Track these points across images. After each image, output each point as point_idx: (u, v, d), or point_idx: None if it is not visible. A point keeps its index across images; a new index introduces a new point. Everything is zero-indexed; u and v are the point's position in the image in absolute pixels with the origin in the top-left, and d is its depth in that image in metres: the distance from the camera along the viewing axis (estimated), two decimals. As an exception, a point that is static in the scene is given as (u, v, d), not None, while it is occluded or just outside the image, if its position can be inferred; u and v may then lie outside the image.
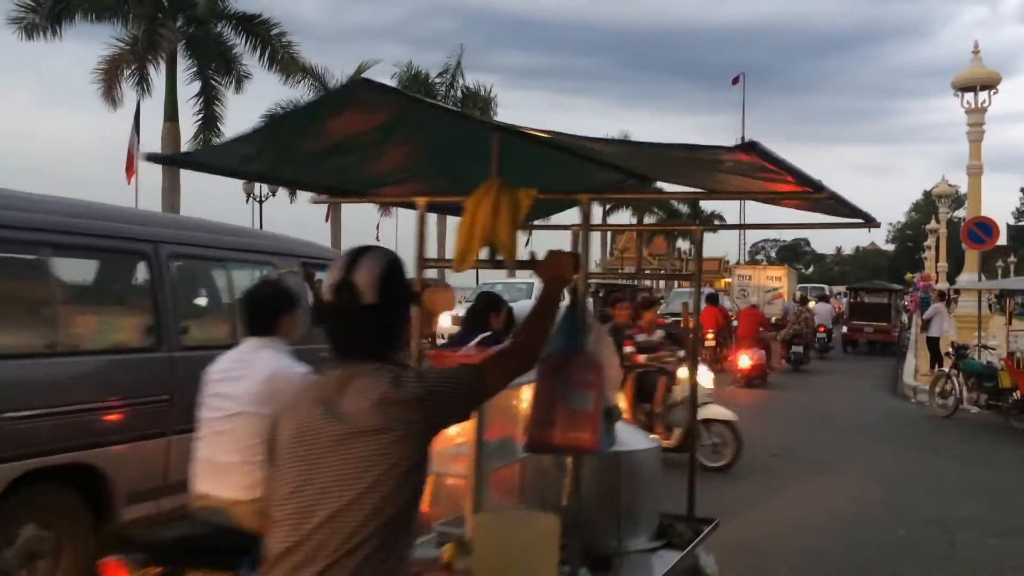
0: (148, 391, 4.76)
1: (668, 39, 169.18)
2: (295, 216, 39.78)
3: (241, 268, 5.75)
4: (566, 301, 2.81)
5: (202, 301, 5.52)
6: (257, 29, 23.31)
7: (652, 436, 7.56)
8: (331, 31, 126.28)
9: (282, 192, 28.65)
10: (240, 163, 2.78)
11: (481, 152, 2.93)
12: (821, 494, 7.75)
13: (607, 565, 3.35)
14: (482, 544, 2.73)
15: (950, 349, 13.90)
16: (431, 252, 3.54)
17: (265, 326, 3.25)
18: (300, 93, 28.11)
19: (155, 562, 2.84)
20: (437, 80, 31.35)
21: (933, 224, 41.69)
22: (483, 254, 2.95)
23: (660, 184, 4.14)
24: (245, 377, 3.12)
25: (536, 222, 4.30)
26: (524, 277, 18.91)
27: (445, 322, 13.71)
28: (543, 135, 2.74)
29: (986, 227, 16.54)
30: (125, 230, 4.87)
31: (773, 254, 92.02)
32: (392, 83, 31.25)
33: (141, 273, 4.93)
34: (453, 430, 2.91)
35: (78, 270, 4.83)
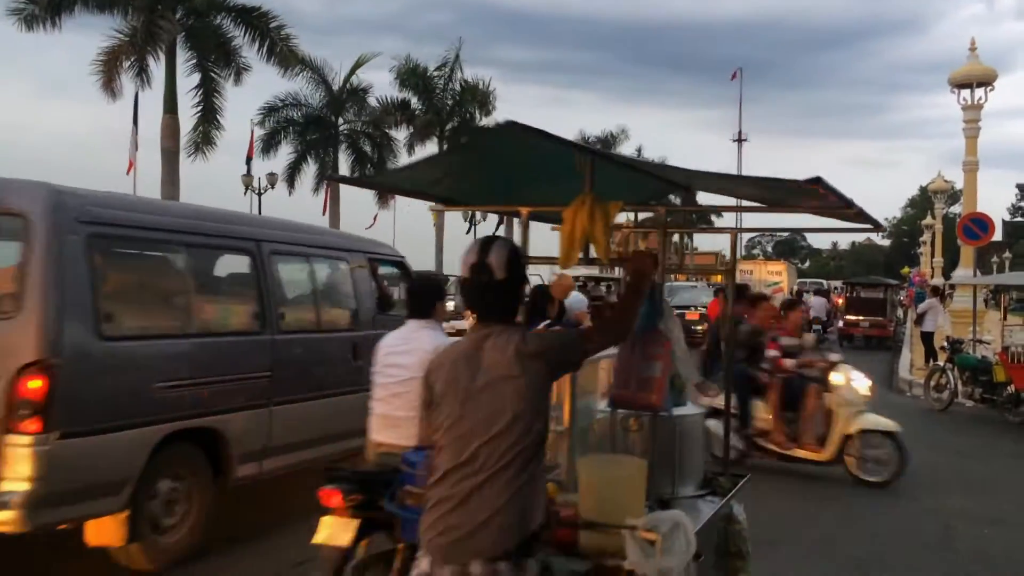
0: (255, 368, 5.76)
1: (667, 33, 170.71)
2: (290, 206, 40.50)
3: (322, 262, 6.77)
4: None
5: (293, 291, 6.51)
6: (256, 21, 23.93)
7: (799, 451, 8.01)
8: (329, 23, 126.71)
9: (281, 184, 29.62)
10: (400, 182, 3.74)
11: (563, 169, 3.89)
12: (818, 482, 8.06)
13: (667, 507, 4.28)
14: (586, 482, 3.43)
15: (945, 343, 14.49)
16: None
17: (425, 310, 4.25)
18: (298, 86, 28.97)
19: (357, 492, 3.75)
20: (436, 74, 32.15)
21: (929, 220, 42.85)
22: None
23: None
24: (415, 350, 4.05)
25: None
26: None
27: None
28: (627, 160, 3.73)
29: (982, 223, 17.05)
30: (236, 231, 5.92)
31: (769, 248, 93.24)
32: (390, 76, 32.04)
33: (248, 268, 5.93)
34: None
35: (203, 266, 5.83)
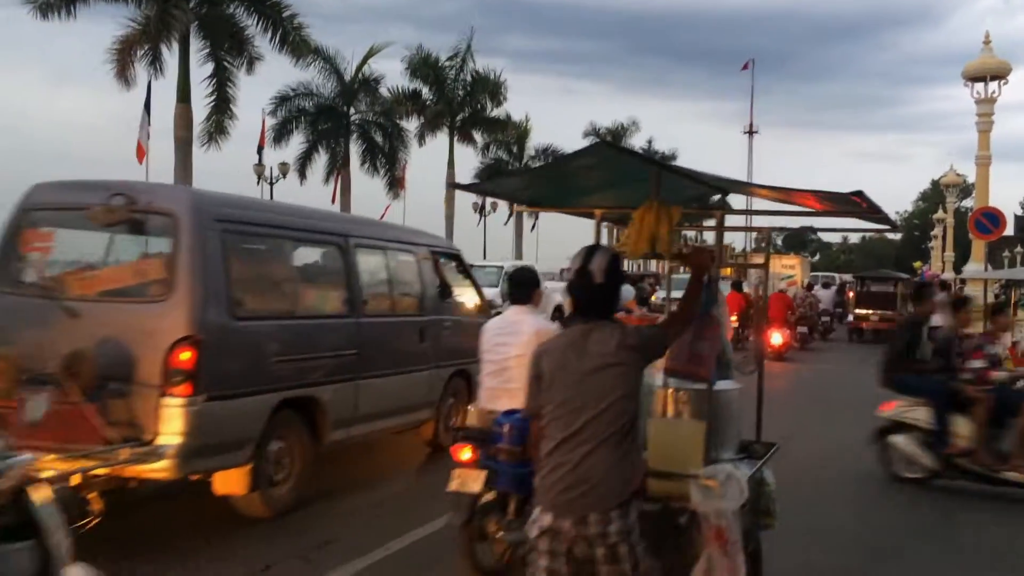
0: (346, 346, 6.86)
1: (679, 23, 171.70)
2: (301, 196, 41.59)
3: (394, 254, 7.89)
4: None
5: (373, 280, 7.60)
6: (269, 11, 24.66)
7: (1011, 473, 7.18)
8: (341, 10, 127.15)
9: (292, 175, 30.67)
10: (503, 190, 4.82)
11: (627, 178, 4.94)
12: (822, 471, 8.25)
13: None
14: (654, 439, 4.18)
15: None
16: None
17: (525, 298, 5.27)
18: (310, 75, 29.77)
19: (481, 445, 4.80)
20: (447, 64, 33.15)
21: (940, 214, 43.84)
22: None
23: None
24: (520, 332, 5.04)
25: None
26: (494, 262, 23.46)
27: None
28: (692, 172, 4.79)
29: (994, 217, 17.75)
30: (330, 227, 7.09)
31: (779, 242, 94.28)
32: (402, 66, 32.99)
33: (338, 259, 7.05)
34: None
35: (305, 257, 6.96)
